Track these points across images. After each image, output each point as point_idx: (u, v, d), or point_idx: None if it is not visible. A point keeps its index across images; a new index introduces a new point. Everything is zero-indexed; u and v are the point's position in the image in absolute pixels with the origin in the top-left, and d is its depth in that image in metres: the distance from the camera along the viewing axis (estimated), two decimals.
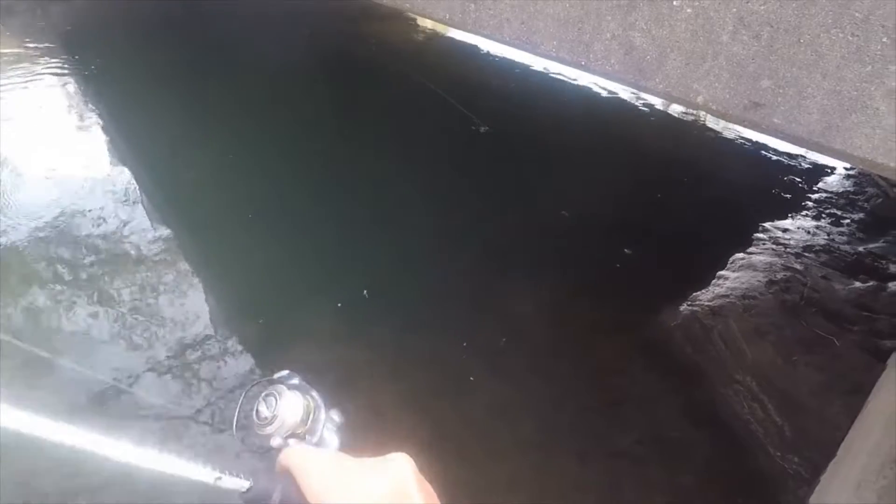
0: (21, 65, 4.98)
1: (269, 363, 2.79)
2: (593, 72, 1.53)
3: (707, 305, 3.28)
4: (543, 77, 5.75)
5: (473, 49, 6.18)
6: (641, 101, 5.45)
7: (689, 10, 1.28)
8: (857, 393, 2.67)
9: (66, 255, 3.21)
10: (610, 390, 2.86)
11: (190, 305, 3.06)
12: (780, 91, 1.19)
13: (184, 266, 3.30)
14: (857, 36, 1.06)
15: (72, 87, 4.85)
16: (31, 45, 5.30)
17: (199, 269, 3.29)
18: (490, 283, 3.36)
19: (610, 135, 4.90)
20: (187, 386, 2.66)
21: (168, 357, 2.75)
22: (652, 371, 2.95)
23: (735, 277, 3.48)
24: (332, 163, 4.29)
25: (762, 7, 1.17)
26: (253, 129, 4.51)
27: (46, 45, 5.33)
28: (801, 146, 1.23)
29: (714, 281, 3.46)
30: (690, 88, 1.34)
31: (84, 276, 3.12)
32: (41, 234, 3.30)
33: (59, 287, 3.03)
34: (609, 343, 3.07)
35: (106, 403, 2.51)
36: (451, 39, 6.43)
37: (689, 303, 3.31)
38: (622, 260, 3.62)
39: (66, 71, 5.00)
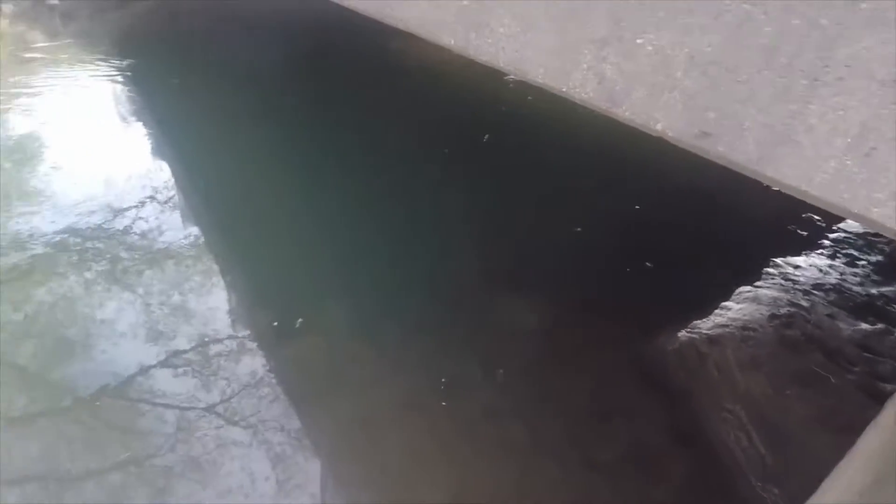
0: (77, 65, 5.47)
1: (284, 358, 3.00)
2: (573, 98, 1.69)
3: (706, 333, 3.33)
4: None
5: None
6: None
7: (650, 48, 1.44)
8: (849, 431, 2.67)
9: (102, 247, 3.51)
10: (600, 405, 2.95)
11: (213, 301, 3.30)
12: (723, 122, 1.32)
13: (210, 263, 3.56)
14: (784, 77, 1.19)
15: (122, 87, 5.29)
16: (86, 47, 5.82)
17: (225, 267, 3.55)
18: (495, 293, 3.50)
19: (628, 160, 5.00)
20: (205, 379, 2.87)
21: (189, 350, 2.98)
22: (643, 391, 3.02)
23: (738, 309, 3.52)
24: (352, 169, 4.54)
25: (708, 49, 1.32)
26: (284, 132, 4.82)
27: (100, 47, 5.84)
28: (743, 172, 1.36)
29: (716, 311, 3.51)
30: (651, 116, 1.48)
31: (119, 267, 3.40)
32: (81, 226, 3.63)
33: (92, 276, 3.32)
34: (605, 360, 3.16)
35: (127, 389, 2.75)
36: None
37: (689, 329, 3.37)
38: (627, 281, 3.71)
39: (116, 72, 5.46)
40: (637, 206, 4.32)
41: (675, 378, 3.09)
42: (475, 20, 1.87)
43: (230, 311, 3.22)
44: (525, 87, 5.22)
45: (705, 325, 3.40)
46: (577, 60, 1.62)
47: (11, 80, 5.03)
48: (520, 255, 3.87)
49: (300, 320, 3.13)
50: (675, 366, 3.15)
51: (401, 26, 2.14)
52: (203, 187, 4.21)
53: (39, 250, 3.34)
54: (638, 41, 1.45)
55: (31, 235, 3.45)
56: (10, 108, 4.65)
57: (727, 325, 3.36)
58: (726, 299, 3.60)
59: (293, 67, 5.86)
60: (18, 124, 4.49)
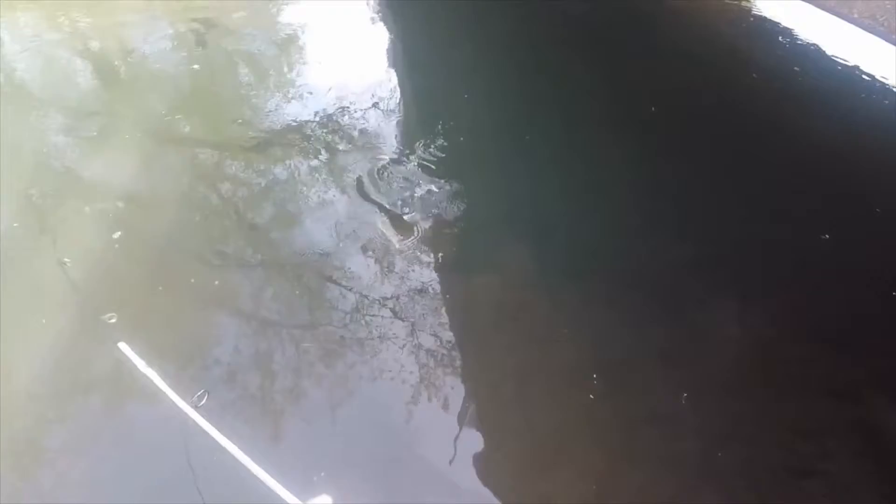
0: None
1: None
2: None
3: None
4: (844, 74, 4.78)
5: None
6: None
7: None
8: None
9: (328, 139, 3.92)
10: (795, 457, 2.46)
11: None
12: None
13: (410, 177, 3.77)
14: None
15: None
16: None
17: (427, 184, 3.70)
18: (696, 288, 3.11)
19: None
20: (386, 276, 3.13)
21: (377, 248, 3.25)
22: (862, 459, 2.41)
23: None
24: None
25: None
26: (524, 73, 4.74)
27: None
28: None
29: None
30: None
31: (338, 161, 3.79)
32: (315, 117, 4.10)
33: (315, 163, 3.75)
34: (813, 404, 2.61)
35: (324, 264, 3.15)
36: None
37: None
38: (879, 311, 2.97)
39: None
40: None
41: None
42: None
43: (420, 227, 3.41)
44: None
45: None
46: None
47: None
48: (739, 253, 3.35)
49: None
50: None
51: None
52: (422, 107, 4.42)
53: (279, 130, 3.90)
54: None
55: (276, 117, 4.04)
56: (283, 10, 5.37)
57: None
58: None
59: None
60: (288, 23, 5.18)
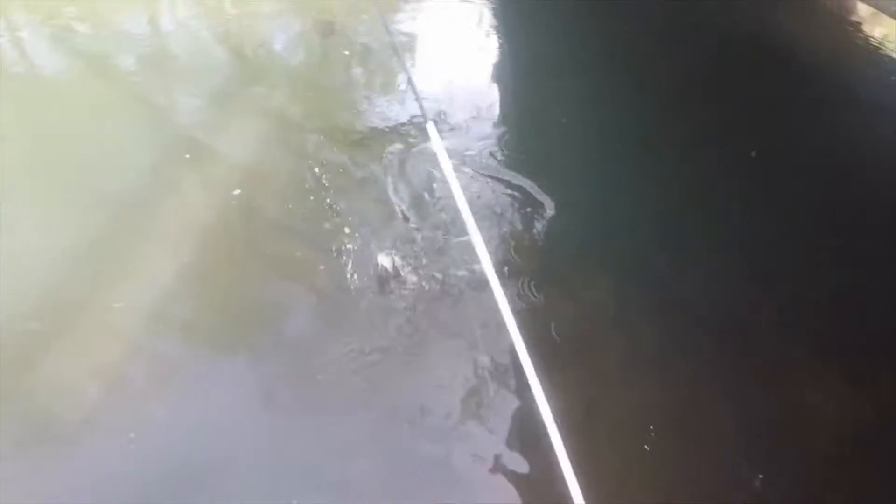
0: None
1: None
2: None
3: None
4: None
5: None
6: None
7: None
8: None
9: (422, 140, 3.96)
10: None
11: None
12: None
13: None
14: None
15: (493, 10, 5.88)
16: None
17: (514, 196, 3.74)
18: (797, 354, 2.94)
19: None
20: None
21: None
22: None
23: None
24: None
25: None
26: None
27: None
28: None
29: None
30: None
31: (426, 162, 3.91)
32: (409, 117, 4.20)
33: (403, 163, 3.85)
34: None
35: None
36: None
37: None
38: None
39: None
40: None
41: None
42: None
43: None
44: None
45: None
46: None
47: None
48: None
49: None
50: None
51: None
52: (521, 120, 4.49)
53: (380, 128, 4.09)
54: None
55: (379, 115, 4.22)
56: (404, 17, 5.68)
57: None
58: None
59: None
60: (407, 30, 5.48)
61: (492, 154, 4.00)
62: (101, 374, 2.48)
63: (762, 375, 2.81)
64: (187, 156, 3.66)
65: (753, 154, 4.15)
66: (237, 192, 3.38)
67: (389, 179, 3.64)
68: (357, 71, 4.88)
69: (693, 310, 3.07)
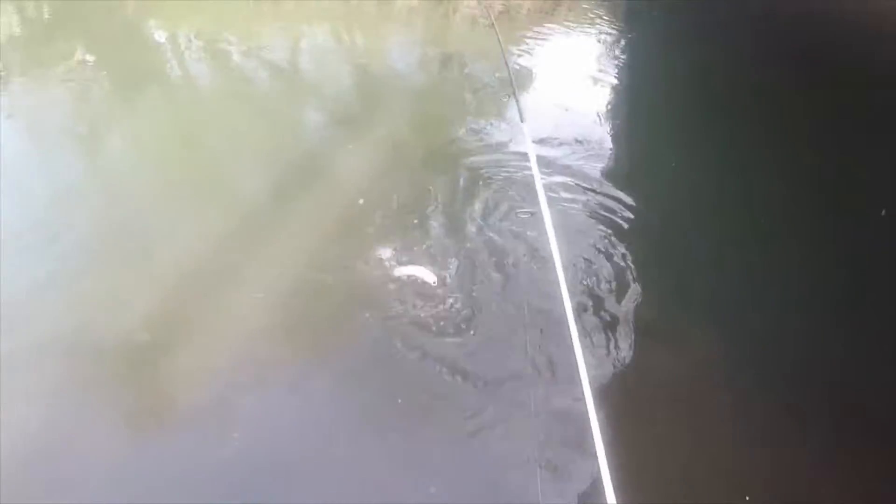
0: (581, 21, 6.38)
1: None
2: None
3: None
4: None
5: None
6: None
7: None
8: None
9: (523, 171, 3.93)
10: None
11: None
12: None
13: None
14: None
15: (609, 44, 5.92)
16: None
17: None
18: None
19: None
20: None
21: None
22: None
23: None
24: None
25: None
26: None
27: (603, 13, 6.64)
28: None
29: None
30: None
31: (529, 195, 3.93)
32: (512, 152, 4.19)
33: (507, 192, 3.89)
34: None
35: None
36: None
37: None
38: None
39: (610, 31, 6.12)
40: None
41: None
42: None
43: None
44: None
45: None
46: None
47: (531, 29, 6.29)
48: None
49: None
50: None
51: None
52: (630, 161, 4.38)
53: (483, 158, 4.11)
54: None
55: (483, 144, 4.28)
56: (523, 48, 5.86)
57: None
58: None
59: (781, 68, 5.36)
60: (517, 65, 5.64)
61: (594, 189, 3.94)
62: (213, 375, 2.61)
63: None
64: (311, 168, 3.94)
65: (883, 213, 3.79)
66: (361, 201, 3.61)
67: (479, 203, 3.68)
68: (468, 97, 5.06)
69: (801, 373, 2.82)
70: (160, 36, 5.65)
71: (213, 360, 2.67)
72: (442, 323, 2.86)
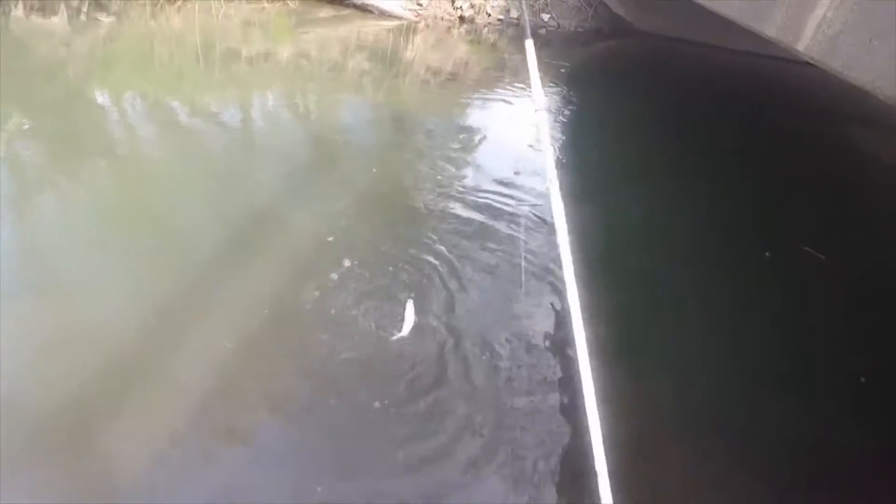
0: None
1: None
2: None
3: None
4: None
5: None
6: None
7: None
8: None
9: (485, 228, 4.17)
10: None
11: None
12: None
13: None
14: None
15: (553, 106, 6.34)
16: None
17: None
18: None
19: None
20: None
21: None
22: None
23: None
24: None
25: None
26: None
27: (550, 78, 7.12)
28: None
29: None
30: None
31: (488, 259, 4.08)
32: (466, 212, 4.34)
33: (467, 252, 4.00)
34: None
35: None
36: None
37: None
38: None
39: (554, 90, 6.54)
40: None
41: None
42: None
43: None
44: None
45: None
46: None
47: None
48: None
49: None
50: None
51: None
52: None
53: (443, 211, 4.17)
54: None
55: (444, 198, 4.36)
56: (467, 105, 6.11)
57: None
58: None
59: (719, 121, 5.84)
60: (467, 118, 5.87)
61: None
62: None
63: None
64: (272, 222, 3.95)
65: (767, 255, 4.13)
66: (330, 238, 3.74)
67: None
68: (433, 162, 5.10)
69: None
70: (103, 99, 5.52)
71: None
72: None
